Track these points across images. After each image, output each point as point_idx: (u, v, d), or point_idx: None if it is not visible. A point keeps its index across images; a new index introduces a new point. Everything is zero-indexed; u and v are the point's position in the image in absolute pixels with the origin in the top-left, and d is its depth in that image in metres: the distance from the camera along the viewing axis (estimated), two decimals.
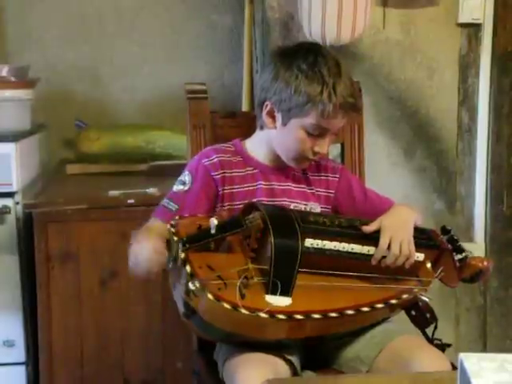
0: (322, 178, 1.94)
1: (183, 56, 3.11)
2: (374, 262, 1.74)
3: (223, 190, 1.85)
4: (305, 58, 1.80)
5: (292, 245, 1.65)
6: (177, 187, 1.87)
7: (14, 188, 2.42)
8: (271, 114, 1.84)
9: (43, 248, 2.39)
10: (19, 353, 2.46)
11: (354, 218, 1.83)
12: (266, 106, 1.84)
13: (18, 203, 2.42)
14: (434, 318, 1.81)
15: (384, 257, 1.74)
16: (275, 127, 1.84)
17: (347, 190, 1.95)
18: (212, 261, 1.62)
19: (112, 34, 3.09)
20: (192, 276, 1.57)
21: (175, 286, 1.69)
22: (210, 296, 1.55)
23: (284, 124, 1.82)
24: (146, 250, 1.66)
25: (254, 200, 1.83)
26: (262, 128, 1.90)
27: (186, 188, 1.85)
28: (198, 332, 1.82)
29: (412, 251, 1.76)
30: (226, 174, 1.86)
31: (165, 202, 1.86)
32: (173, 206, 1.82)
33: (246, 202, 1.79)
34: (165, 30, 3.11)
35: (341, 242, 1.72)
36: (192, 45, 3.11)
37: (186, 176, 1.87)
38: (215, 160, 1.86)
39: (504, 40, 2.75)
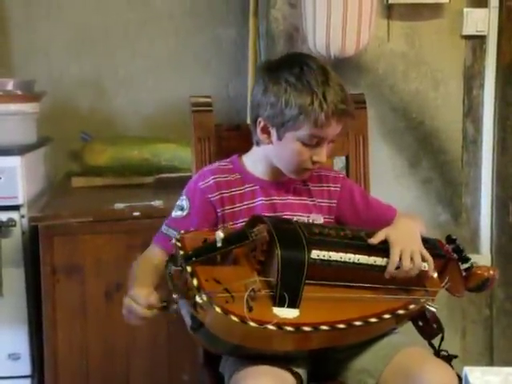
0: (324, 188, 1.94)
1: (188, 69, 3.12)
2: (387, 276, 1.74)
3: (223, 210, 1.85)
4: (291, 70, 1.79)
5: (298, 257, 1.64)
6: (175, 213, 1.87)
7: (20, 201, 2.43)
8: (265, 130, 1.83)
9: (49, 261, 2.39)
10: (25, 366, 2.46)
11: (360, 229, 1.82)
12: (260, 122, 1.83)
13: (23, 216, 2.42)
14: (440, 329, 1.80)
15: (396, 269, 1.74)
16: (271, 142, 1.83)
17: (349, 199, 1.95)
18: (218, 274, 1.61)
19: (117, 47, 3.11)
20: (199, 289, 1.57)
21: (182, 300, 1.69)
22: (217, 309, 1.55)
23: (279, 139, 1.81)
24: (136, 307, 1.66)
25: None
26: (258, 144, 1.89)
27: (185, 213, 1.85)
28: (205, 345, 1.81)
29: (429, 259, 1.76)
30: (224, 195, 1.85)
31: (164, 228, 1.86)
32: (171, 233, 1.82)
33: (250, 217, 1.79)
34: (170, 42, 3.12)
35: (347, 252, 1.72)
36: (197, 58, 3.12)
37: (183, 201, 1.87)
38: (211, 182, 1.86)
39: (508, 52, 2.75)
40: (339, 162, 2.27)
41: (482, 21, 2.73)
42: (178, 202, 1.88)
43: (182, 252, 1.63)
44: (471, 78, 2.79)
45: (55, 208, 2.55)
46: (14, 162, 2.43)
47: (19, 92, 2.61)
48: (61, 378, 2.44)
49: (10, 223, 2.40)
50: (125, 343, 2.47)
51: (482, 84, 2.79)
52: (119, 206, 2.49)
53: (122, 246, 2.39)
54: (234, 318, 1.55)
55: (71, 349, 2.44)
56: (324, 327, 1.63)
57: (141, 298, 1.66)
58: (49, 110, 2.84)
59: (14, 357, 2.45)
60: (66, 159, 3.03)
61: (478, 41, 2.77)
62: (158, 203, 2.49)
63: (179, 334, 2.42)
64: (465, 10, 2.73)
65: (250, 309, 1.56)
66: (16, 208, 2.42)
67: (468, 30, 2.74)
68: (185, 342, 2.40)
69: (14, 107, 2.58)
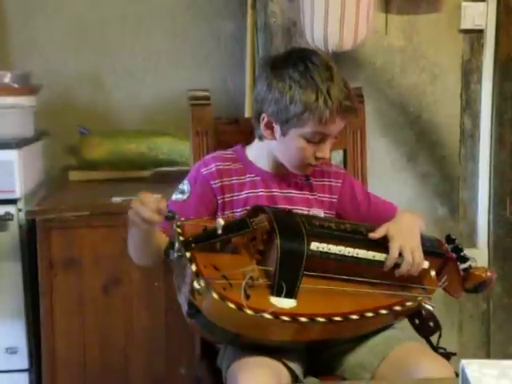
0: (326, 183, 1.95)
1: (186, 62, 3.12)
2: (386, 270, 1.75)
3: (223, 198, 1.85)
4: (295, 66, 1.79)
5: (297, 247, 1.65)
6: (175, 196, 1.87)
7: (17, 195, 2.42)
8: (269, 126, 1.83)
9: (46, 255, 2.39)
10: (22, 360, 2.46)
11: (360, 223, 1.83)
12: (263, 118, 1.84)
13: (20, 210, 2.42)
14: (437, 327, 1.80)
15: (396, 265, 1.74)
16: (274, 138, 1.84)
17: (350, 195, 1.96)
18: (217, 261, 1.62)
19: (115, 41, 3.10)
20: (197, 275, 1.57)
21: (180, 286, 1.69)
22: (214, 295, 1.55)
23: (283, 135, 1.81)
24: (145, 209, 1.62)
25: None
26: (261, 139, 1.89)
27: (185, 197, 1.86)
28: (201, 332, 1.81)
29: (421, 258, 1.77)
30: (225, 183, 1.86)
31: None
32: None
33: (248, 207, 1.80)
34: (168, 36, 3.12)
35: (346, 246, 1.72)
36: (195, 51, 3.12)
37: (185, 185, 1.87)
38: (213, 169, 1.86)
39: (506, 46, 2.75)
40: (337, 156, 2.27)
41: (480, 15, 2.73)
42: (180, 186, 1.88)
43: (181, 238, 1.63)
44: (469, 73, 2.79)
45: (52, 202, 2.55)
46: (11, 155, 2.43)
47: (16, 85, 2.61)
48: (58, 372, 2.44)
49: (7, 217, 2.40)
50: (122, 337, 2.47)
51: (480, 78, 2.79)
52: (116, 199, 2.49)
53: (119, 239, 2.36)
54: (231, 305, 1.55)
55: (69, 342, 2.45)
56: (320, 319, 1.63)
57: (150, 201, 1.62)
58: (46, 103, 2.84)
59: (11, 351, 2.45)
60: (64, 153, 3.01)
61: (475, 35, 2.76)
62: (155, 197, 2.48)
63: (177, 327, 2.42)
64: (463, 3, 2.73)
65: (248, 296, 1.57)
66: (13, 202, 2.42)
67: (466, 24, 2.74)
68: (182, 336, 2.41)
69: (11, 100, 2.58)
